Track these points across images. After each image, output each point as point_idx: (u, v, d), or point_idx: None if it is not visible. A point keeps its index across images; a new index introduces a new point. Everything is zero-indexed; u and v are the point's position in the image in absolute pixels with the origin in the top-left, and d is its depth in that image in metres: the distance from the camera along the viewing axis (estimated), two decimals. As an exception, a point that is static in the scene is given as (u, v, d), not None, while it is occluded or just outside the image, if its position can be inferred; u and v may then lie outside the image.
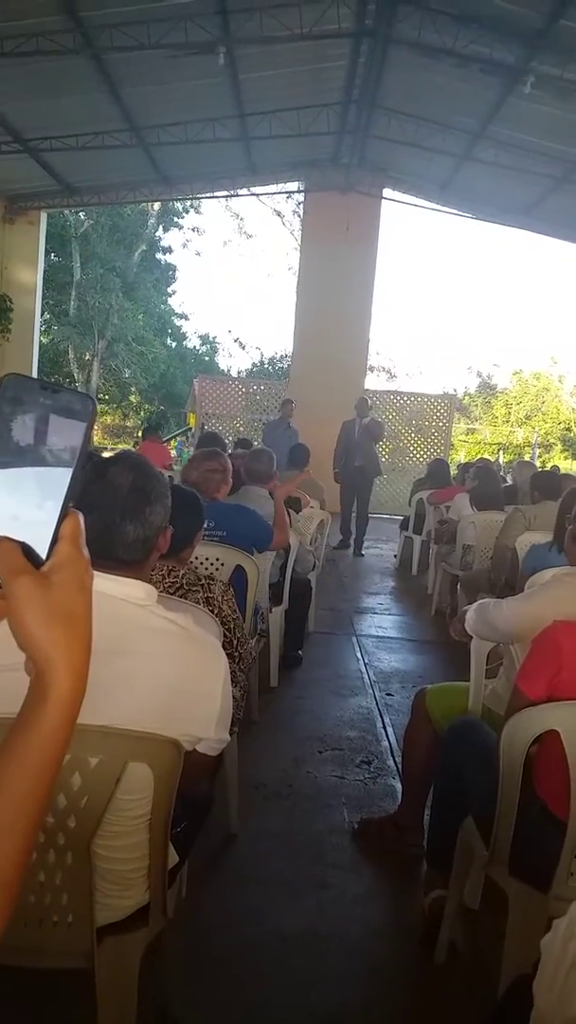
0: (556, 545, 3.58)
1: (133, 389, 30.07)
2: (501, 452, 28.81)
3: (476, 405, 37.90)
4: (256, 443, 10.35)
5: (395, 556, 10.04)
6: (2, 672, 0.93)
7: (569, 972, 1.06)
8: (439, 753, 2.64)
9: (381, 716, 4.52)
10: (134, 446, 16.32)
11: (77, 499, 0.66)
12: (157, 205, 26.49)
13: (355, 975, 2.38)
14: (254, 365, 32.07)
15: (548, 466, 19.50)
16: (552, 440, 32.93)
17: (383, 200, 14.72)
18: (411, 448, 15.78)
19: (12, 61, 8.82)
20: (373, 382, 27.68)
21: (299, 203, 21.18)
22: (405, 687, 5.03)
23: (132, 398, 31.04)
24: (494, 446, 31.55)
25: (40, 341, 16.86)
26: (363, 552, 10.23)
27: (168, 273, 31.20)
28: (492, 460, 16.79)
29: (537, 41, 8.26)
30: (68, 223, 25.15)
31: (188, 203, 27.68)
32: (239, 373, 31.00)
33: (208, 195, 15.80)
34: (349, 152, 13.51)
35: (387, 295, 54.02)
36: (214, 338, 34.10)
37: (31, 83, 9.81)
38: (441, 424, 15.73)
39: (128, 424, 30.55)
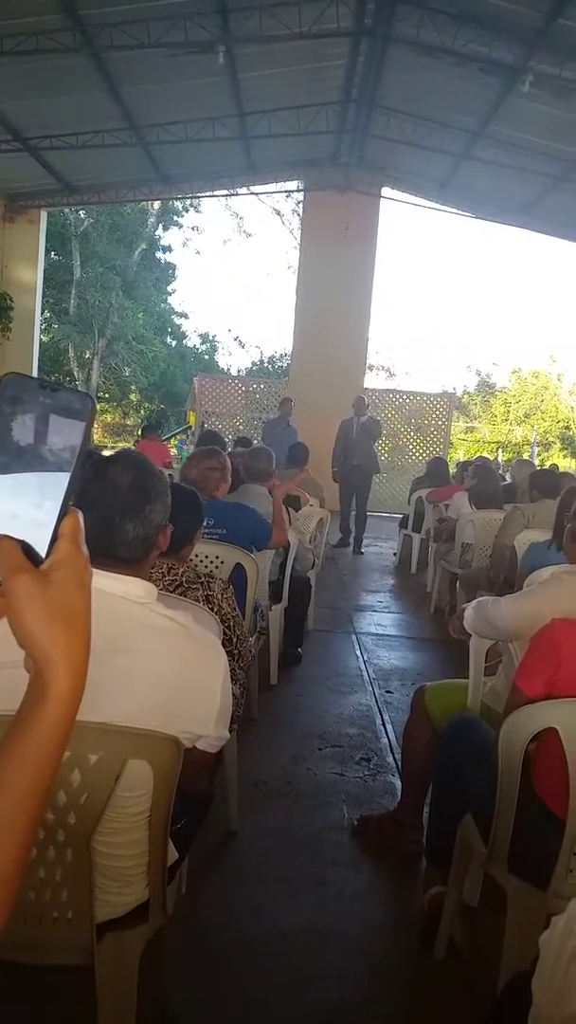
0: (555, 543, 3.58)
1: (133, 387, 30.07)
2: (500, 450, 28.82)
3: (475, 403, 37.90)
4: (256, 441, 10.36)
5: (394, 554, 10.05)
6: (2, 669, 0.94)
7: (567, 968, 1.07)
8: (438, 750, 2.65)
9: (380, 713, 4.52)
10: (134, 444, 16.30)
11: (77, 498, 0.67)
12: (157, 204, 26.47)
13: (354, 972, 2.38)
14: (254, 364, 32.11)
15: (547, 464, 19.53)
16: (551, 438, 32.96)
17: (382, 199, 14.73)
18: (410, 446, 15.79)
19: (12, 60, 8.81)
20: (372, 381, 27.68)
21: (298, 202, 21.21)
22: (404, 685, 5.04)
23: (132, 396, 31.05)
24: (493, 444, 31.56)
25: (40, 339, 16.86)
26: (362, 550, 10.24)
27: (168, 272, 31.21)
28: (491, 458, 16.80)
29: (536, 40, 8.27)
30: (68, 222, 25.15)
31: (188, 202, 27.68)
32: (239, 372, 31.01)
33: (208, 194, 15.82)
34: (348, 151, 13.51)
35: (386, 294, 54.12)
36: (214, 337, 34.16)
37: (31, 82, 9.81)
38: (440, 423, 15.74)
39: (128, 422, 30.56)
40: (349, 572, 9.01)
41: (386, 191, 14.69)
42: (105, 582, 1.50)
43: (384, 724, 4.37)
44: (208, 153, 12.80)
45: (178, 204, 28.14)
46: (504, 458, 24.71)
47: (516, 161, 11.34)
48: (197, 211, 30.31)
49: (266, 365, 31.18)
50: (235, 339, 43.73)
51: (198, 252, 53.24)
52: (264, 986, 2.28)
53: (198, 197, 23.17)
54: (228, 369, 32.10)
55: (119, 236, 27.33)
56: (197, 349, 32.99)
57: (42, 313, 17.62)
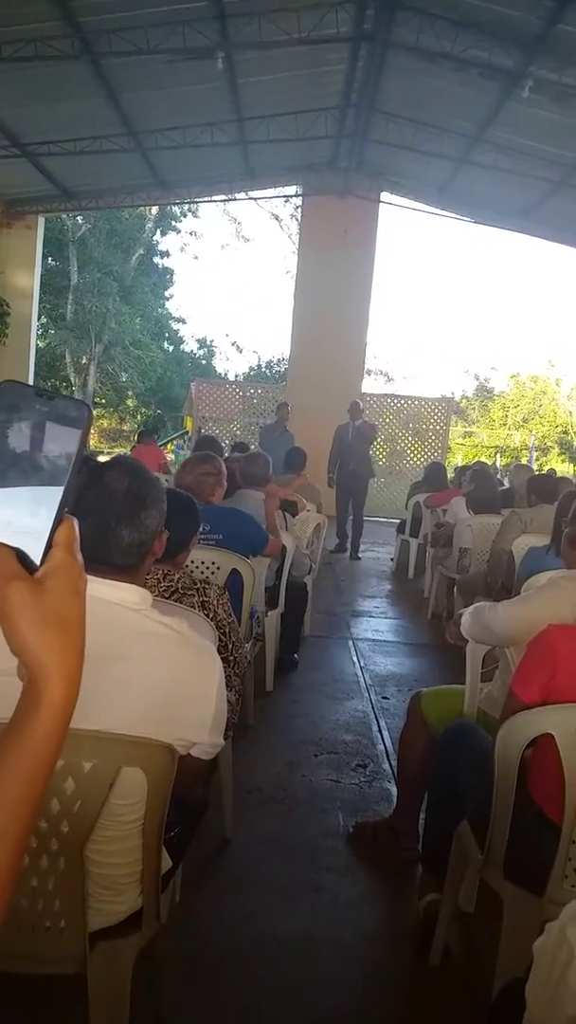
0: (553, 548, 3.58)
1: (130, 393, 30.06)
2: (498, 455, 28.89)
3: (473, 408, 37.98)
4: (253, 447, 10.36)
5: (392, 559, 10.05)
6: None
7: (561, 975, 1.06)
8: (434, 757, 2.65)
9: (377, 720, 4.52)
10: (130, 450, 16.31)
11: (72, 504, 0.67)
12: (155, 209, 26.53)
13: (349, 979, 2.37)
14: (251, 369, 32.11)
15: (545, 469, 19.53)
16: (549, 443, 33.02)
17: (381, 204, 14.76)
18: (408, 451, 15.80)
19: (11, 66, 8.83)
20: (370, 385, 27.66)
21: (297, 207, 21.23)
22: (401, 691, 5.03)
23: (129, 402, 31.05)
24: (491, 449, 31.63)
25: (37, 345, 16.88)
26: (360, 555, 10.23)
27: (165, 277, 31.22)
28: (489, 463, 16.84)
29: (535, 46, 8.30)
30: (66, 227, 25.13)
31: (186, 207, 27.68)
32: (236, 377, 31.07)
33: (206, 199, 15.79)
34: (347, 156, 13.55)
35: (385, 298, 54.22)
36: (211, 342, 34.15)
37: (30, 88, 9.82)
38: (438, 427, 15.76)
39: (125, 428, 30.56)
40: (346, 577, 9.01)
41: (385, 196, 14.72)
42: (100, 589, 1.50)
43: (380, 730, 4.36)
44: (206, 158, 12.81)
45: (176, 209, 28.16)
46: (502, 463, 24.76)
47: (515, 166, 11.38)
48: (195, 216, 30.38)
49: (264, 370, 31.18)
50: (233, 344, 43.77)
51: (196, 257, 53.21)
52: (258, 993, 2.27)
53: (196, 202, 23.13)
54: (225, 374, 32.16)
55: (117, 241, 27.32)
56: (194, 354, 33.00)
57: (39, 319, 17.63)
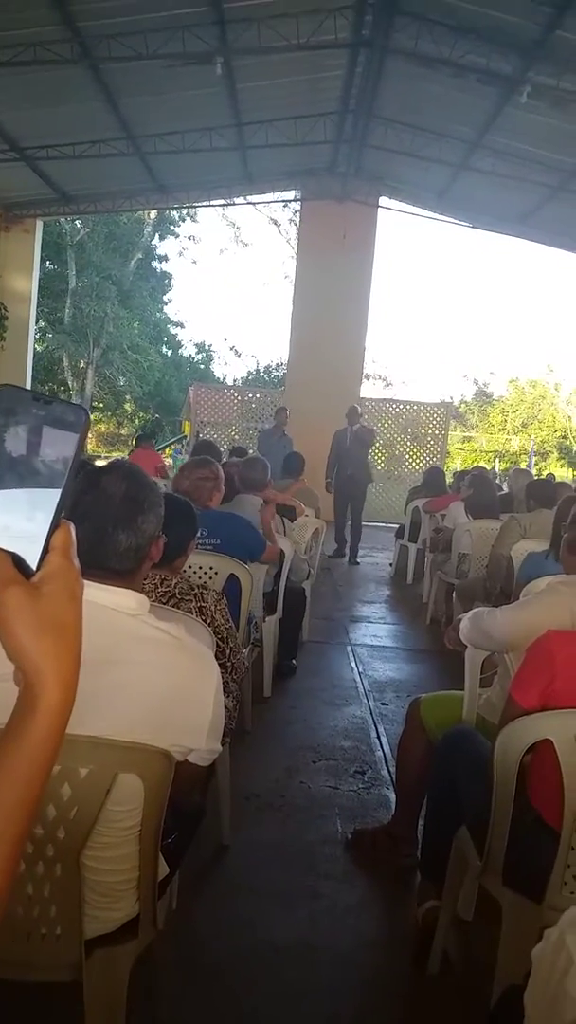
0: (552, 553, 3.58)
1: (128, 397, 30.10)
2: (497, 460, 28.92)
3: (472, 413, 38.03)
4: (251, 451, 10.36)
5: (390, 565, 10.05)
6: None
7: (560, 982, 1.05)
8: (433, 763, 2.64)
9: (375, 726, 4.51)
10: (128, 454, 16.32)
11: (69, 509, 0.66)
12: (153, 213, 26.59)
13: (347, 986, 2.36)
14: (250, 373, 32.19)
15: (544, 474, 19.54)
16: (548, 448, 33.06)
17: (380, 209, 14.80)
18: (407, 456, 15.81)
19: (10, 70, 8.85)
20: (369, 390, 27.78)
21: (296, 212, 21.26)
22: (399, 696, 5.02)
23: (127, 406, 31.09)
24: (490, 454, 31.67)
25: (35, 349, 16.88)
26: (358, 560, 10.23)
27: (164, 281, 31.28)
28: (488, 468, 16.85)
29: (533, 51, 8.32)
30: (64, 231, 25.19)
31: (184, 211, 27.77)
32: (235, 381, 31.09)
33: (204, 204, 15.84)
34: (346, 161, 13.58)
35: (384, 303, 54.30)
36: (210, 346, 34.24)
37: (28, 92, 9.84)
38: (437, 432, 15.77)
39: (123, 432, 30.60)
40: (345, 583, 9.00)
41: (384, 201, 14.77)
42: (97, 594, 1.49)
43: (379, 736, 4.35)
44: (205, 163, 12.85)
45: (175, 214, 28.27)
46: (501, 468, 24.79)
47: (514, 171, 11.41)
48: (194, 221, 30.50)
49: (262, 375, 31.23)
50: (231, 348, 43.79)
51: (194, 262, 53.51)
52: (256, 1000, 2.26)
53: (195, 207, 23.25)
54: (224, 379, 32.21)
55: (115, 246, 27.37)
56: (193, 359, 33.05)
57: (37, 322, 17.63)
